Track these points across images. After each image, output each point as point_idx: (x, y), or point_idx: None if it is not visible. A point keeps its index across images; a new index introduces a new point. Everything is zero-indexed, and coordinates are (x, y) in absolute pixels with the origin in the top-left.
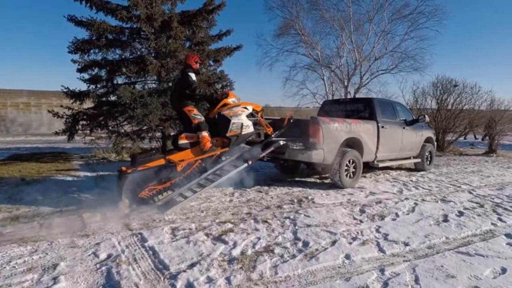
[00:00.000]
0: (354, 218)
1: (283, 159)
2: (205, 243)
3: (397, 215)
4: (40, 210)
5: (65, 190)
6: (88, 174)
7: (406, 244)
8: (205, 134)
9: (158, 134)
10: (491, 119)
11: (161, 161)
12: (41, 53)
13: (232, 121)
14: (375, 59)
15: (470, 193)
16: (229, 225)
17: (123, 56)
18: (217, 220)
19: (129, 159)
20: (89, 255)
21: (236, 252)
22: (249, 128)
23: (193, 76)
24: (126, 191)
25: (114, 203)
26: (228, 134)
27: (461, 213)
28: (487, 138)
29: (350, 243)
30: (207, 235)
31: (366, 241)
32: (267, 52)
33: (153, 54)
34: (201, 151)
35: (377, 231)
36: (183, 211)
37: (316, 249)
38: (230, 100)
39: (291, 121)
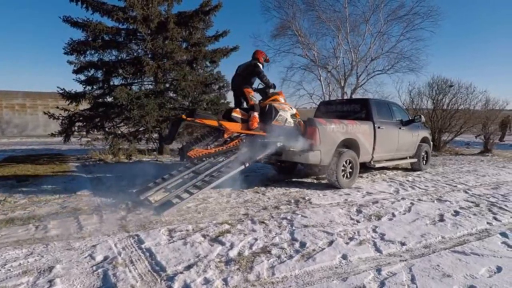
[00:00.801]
0: (351, 218)
1: (280, 160)
2: (202, 244)
3: (393, 215)
4: (35, 212)
5: (60, 192)
6: (84, 175)
7: (403, 244)
8: (255, 115)
9: (155, 135)
10: (486, 119)
11: (215, 123)
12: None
13: (280, 113)
14: (371, 59)
15: (466, 192)
16: (226, 226)
17: (119, 57)
18: (214, 221)
19: (126, 160)
20: (85, 258)
21: (233, 253)
22: (290, 124)
23: (261, 67)
24: (176, 136)
25: (111, 205)
26: (273, 123)
27: (457, 213)
28: (481, 137)
29: (347, 243)
30: (204, 236)
31: (363, 241)
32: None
33: (149, 55)
34: (247, 128)
35: (374, 231)
36: (180, 213)
37: (313, 250)
38: (281, 98)
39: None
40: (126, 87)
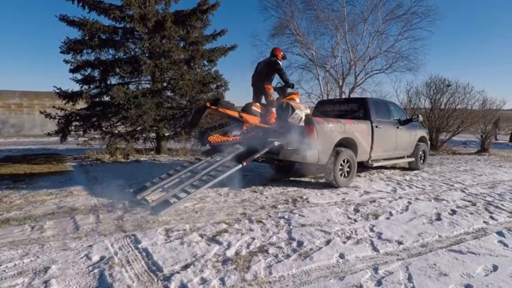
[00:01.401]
0: (349, 218)
1: (278, 159)
2: (199, 244)
3: (391, 214)
4: (31, 213)
5: (57, 191)
6: (81, 175)
7: (400, 243)
8: (274, 110)
9: (153, 134)
10: (483, 118)
11: (236, 114)
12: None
13: (296, 111)
14: (369, 59)
15: (463, 191)
16: (224, 226)
17: (116, 56)
18: (211, 221)
19: (124, 159)
20: (81, 258)
21: (230, 253)
22: (303, 123)
23: (281, 64)
24: (199, 122)
25: (108, 204)
26: (289, 120)
27: (453, 212)
28: (478, 136)
29: (344, 242)
30: (201, 236)
31: (360, 240)
32: (262, 52)
33: (147, 54)
34: (265, 122)
35: (371, 230)
36: (177, 212)
37: (311, 249)
38: (297, 98)
39: None
40: (123, 86)
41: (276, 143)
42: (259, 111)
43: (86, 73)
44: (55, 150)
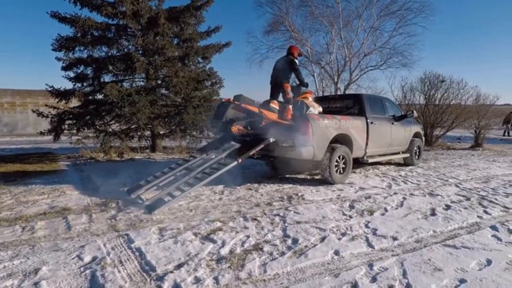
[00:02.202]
0: (344, 214)
1: (273, 156)
2: (193, 242)
3: (386, 209)
4: (22, 213)
5: (49, 191)
6: (75, 174)
7: (395, 239)
8: (290, 108)
9: (147, 132)
10: (477, 114)
11: (256, 109)
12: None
13: (310, 109)
14: (364, 55)
15: (457, 186)
16: (218, 224)
17: (109, 54)
18: (206, 219)
19: (118, 158)
20: (73, 259)
21: (224, 251)
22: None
23: (297, 63)
24: (226, 116)
25: (101, 204)
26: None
27: (448, 207)
28: (472, 131)
29: (339, 239)
30: (195, 234)
31: (355, 236)
32: (257, 49)
33: (140, 51)
34: (281, 118)
35: (366, 226)
36: (172, 211)
37: (306, 246)
38: (309, 97)
39: None
40: (117, 84)
41: (271, 139)
42: (277, 108)
43: (79, 71)
44: (49, 149)
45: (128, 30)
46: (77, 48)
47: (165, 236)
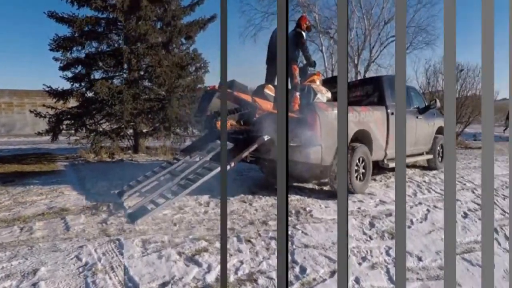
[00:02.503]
0: (364, 233)
1: (269, 159)
2: (177, 263)
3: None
4: (20, 214)
5: (47, 192)
6: (72, 175)
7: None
8: (297, 95)
9: (130, 131)
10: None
11: (249, 98)
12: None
13: (318, 95)
14: (384, 22)
15: (473, 192)
16: (203, 243)
17: (99, 49)
18: (190, 236)
19: (109, 159)
20: (71, 259)
21: (210, 278)
22: None
23: (305, 37)
24: (210, 109)
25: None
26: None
27: (466, 215)
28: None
29: (360, 264)
30: (179, 254)
31: (375, 264)
32: (250, 19)
33: (121, 39)
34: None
35: (387, 253)
36: (156, 221)
37: (313, 279)
38: (317, 80)
39: None
40: (107, 81)
41: (265, 138)
42: (273, 95)
43: (77, 71)
44: (47, 150)
45: (118, 24)
46: (74, 48)
47: (149, 250)
